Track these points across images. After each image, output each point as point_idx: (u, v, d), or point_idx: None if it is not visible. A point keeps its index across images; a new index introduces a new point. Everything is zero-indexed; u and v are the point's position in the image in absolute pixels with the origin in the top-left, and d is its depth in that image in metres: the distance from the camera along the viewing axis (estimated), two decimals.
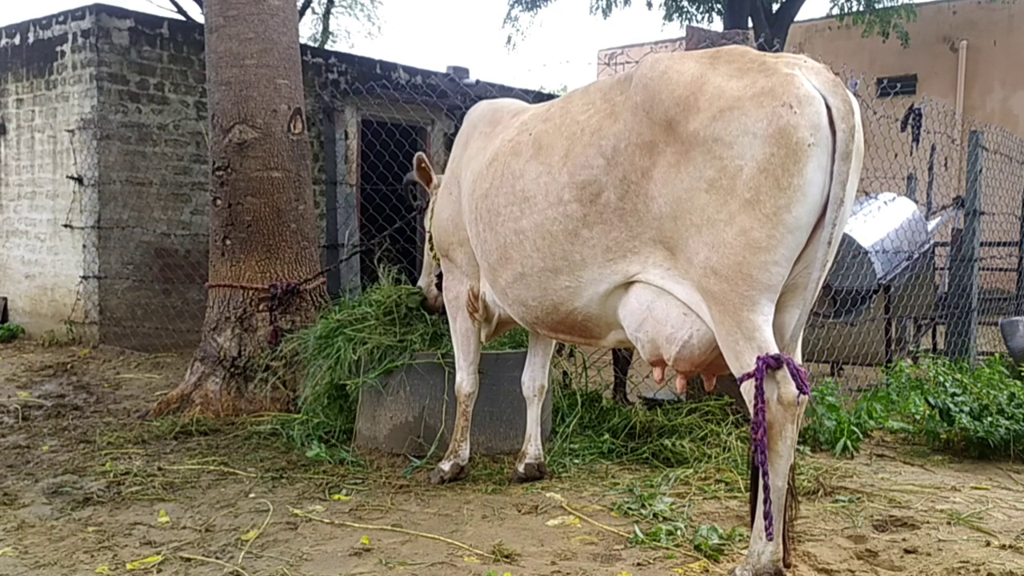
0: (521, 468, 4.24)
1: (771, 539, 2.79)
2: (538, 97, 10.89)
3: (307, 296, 5.99)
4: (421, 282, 4.90)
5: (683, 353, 3.00)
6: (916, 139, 8.77)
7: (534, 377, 4.34)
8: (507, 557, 3.20)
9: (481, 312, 4.10)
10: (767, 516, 2.77)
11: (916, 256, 7.33)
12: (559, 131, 3.34)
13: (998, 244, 9.57)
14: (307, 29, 25.11)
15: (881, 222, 7.29)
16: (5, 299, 10.26)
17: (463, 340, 4.20)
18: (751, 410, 2.75)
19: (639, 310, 3.10)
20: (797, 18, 19.82)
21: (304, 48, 9.14)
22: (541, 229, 3.34)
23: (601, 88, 3.29)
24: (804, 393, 2.73)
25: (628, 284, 3.14)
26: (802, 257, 2.74)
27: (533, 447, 4.27)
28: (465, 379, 4.22)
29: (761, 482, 2.76)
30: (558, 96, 4.97)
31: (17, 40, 10.00)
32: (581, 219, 3.18)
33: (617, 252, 3.11)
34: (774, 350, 2.72)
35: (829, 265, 2.79)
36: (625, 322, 3.20)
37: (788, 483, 2.83)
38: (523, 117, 3.73)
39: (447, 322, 4.39)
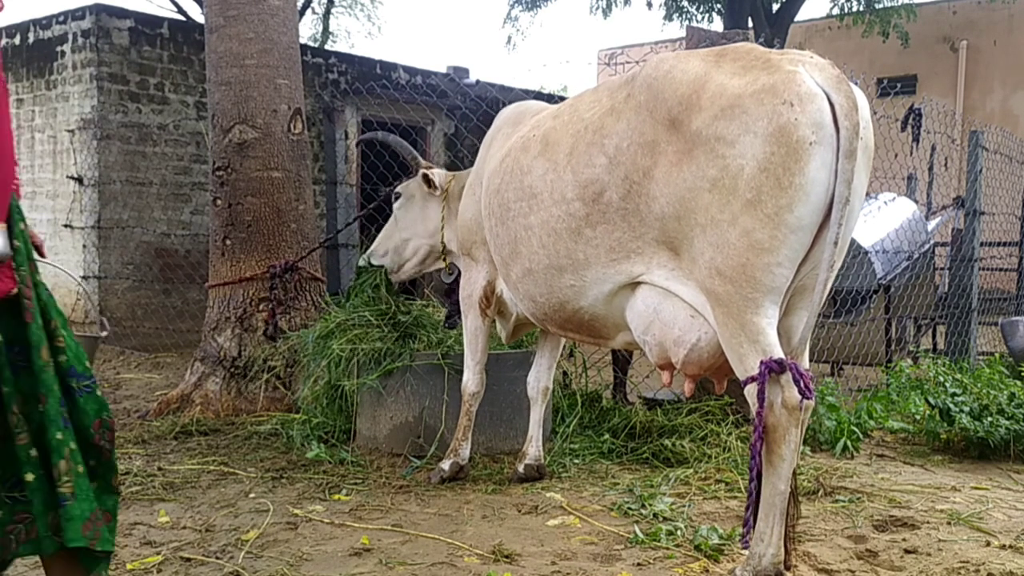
0: (521, 468, 4.23)
1: (746, 545, 2.79)
2: (538, 97, 10.88)
3: (306, 293, 5.97)
4: (378, 253, 4.71)
5: (691, 356, 2.97)
6: (916, 139, 8.77)
7: (539, 378, 4.33)
8: (507, 557, 3.20)
9: (494, 309, 4.12)
10: (746, 523, 2.76)
11: (916, 256, 7.33)
12: (566, 128, 3.35)
13: (998, 244, 9.56)
14: (307, 29, 25.15)
15: (881, 222, 7.29)
16: None
17: (472, 338, 4.20)
18: (754, 413, 2.73)
19: (646, 312, 3.08)
20: (797, 18, 19.82)
21: (304, 48, 9.14)
22: (547, 226, 3.35)
23: (609, 87, 3.30)
24: (808, 398, 2.68)
25: (634, 285, 3.12)
26: (808, 258, 2.71)
27: (534, 448, 4.26)
28: (471, 378, 4.22)
29: (750, 484, 2.74)
30: (558, 96, 4.97)
31: (17, 40, 9.99)
32: (584, 218, 3.18)
33: (620, 252, 3.10)
34: (778, 354, 2.69)
35: (837, 267, 2.76)
36: (632, 324, 3.19)
37: (790, 486, 2.81)
38: (539, 116, 3.76)
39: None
